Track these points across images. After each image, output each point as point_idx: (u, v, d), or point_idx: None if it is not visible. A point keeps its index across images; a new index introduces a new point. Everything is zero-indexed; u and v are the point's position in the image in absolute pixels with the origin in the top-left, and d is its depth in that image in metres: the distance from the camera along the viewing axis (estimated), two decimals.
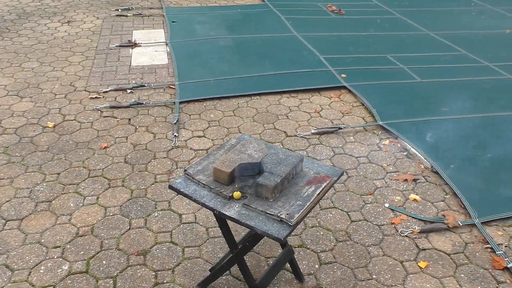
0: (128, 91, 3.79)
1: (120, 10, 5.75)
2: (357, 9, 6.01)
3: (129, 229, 2.38)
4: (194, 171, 1.79)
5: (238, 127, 3.32)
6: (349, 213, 2.53)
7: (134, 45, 4.73)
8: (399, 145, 3.13)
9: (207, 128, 3.30)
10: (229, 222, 1.72)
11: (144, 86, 3.87)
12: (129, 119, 3.40)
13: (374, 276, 2.14)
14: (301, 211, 1.60)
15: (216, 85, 3.88)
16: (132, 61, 4.39)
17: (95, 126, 3.30)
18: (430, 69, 4.27)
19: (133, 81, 3.95)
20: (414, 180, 2.78)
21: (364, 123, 3.39)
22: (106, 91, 3.78)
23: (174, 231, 2.37)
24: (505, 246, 2.31)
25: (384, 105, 3.57)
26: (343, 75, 4.04)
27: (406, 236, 2.37)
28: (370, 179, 2.79)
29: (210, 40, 4.84)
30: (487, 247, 2.31)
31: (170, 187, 1.75)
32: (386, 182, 2.77)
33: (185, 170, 1.79)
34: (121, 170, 2.84)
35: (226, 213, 1.62)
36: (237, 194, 1.67)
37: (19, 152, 2.98)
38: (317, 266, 2.19)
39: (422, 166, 2.91)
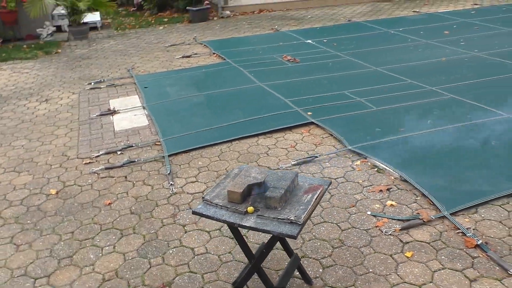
0: (119, 152, 4.11)
1: (92, 84, 6.13)
2: (310, 56, 6.65)
3: (150, 267, 2.65)
4: (210, 197, 2.13)
5: (225, 169, 3.69)
6: (338, 224, 2.90)
7: (113, 112, 5.08)
8: (369, 164, 3.57)
9: (198, 174, 3.65)
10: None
11: (132, 146, 4.20)
12: (125, 176, 3.70)
13: (370, 270, 2.50)
14: (305, 213, 1.97)
15: (197, 136, 4.26)
16: (115, 126, 4.73)
17: (95, 187, 3.58)
18: (383, 98, 4.83)
19: (122, 143, 4.27)
20: (388, 189, 3.21)
21: (336, 150, 3.83)
22: (98, 156, 4.08)
23: (190, 262, 2.66)
24: (473, 229, 2.73)
25: (350, 133, 4.05)
26: (309, 113, 4.53)
27: (390, 234, 2.76)
28: (350, 195, 3.19)
29: (183, 99, 5.27)
30: (458, 232, 2.72)
31: (194, 212, 2.08)
32: (364, 195, 3.18)
33: (203, 198, 2.13)
34: (129, 220, 3.12)
35: (245, 224, 1.96)
36: (250, 208, 2.03)
37: (30, 220, 3.21)
38: (321, 270, 2.53)
39: (392, 178, 3.35)
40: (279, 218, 1.95)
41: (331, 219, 2.95)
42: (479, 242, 2.60)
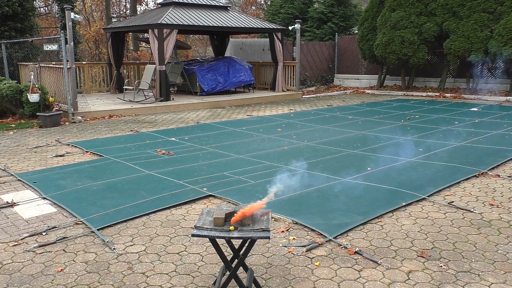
0: (44, 233, 4.44)
1: None
2: (180, 150, 7.77)
3: None
4: (200, 225, 3.01)
5: (155, 233, 4.41)
6: (263, 254, 3.92)
7: (13, 204, 5.27)
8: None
9: (132, 240, 4.28)
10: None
11: (56, 227, 4.57)
12: (64, 250, 4.10)
13: (296, 276, 3.56)
14: (269, 224, 3.01)
15: (116, 213, 4.86)
16: (22, 215, 4.97)
17: (37, 261, 3.90)
18: (255, 175, 6.17)
19: (44, 226, 4.59)
20: (287, 230, 4.39)
21: None
22: (24, 238, 4.34)
23: None
24: (350, 244, 4.06)
25: (243, 199, 5.16)
26: (204, 189, 5.57)
27: (300, 255, 3.89)
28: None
29: (82, 188, 5.75)
30: (341, 247, 4.01)
31: (193, 235, 2.92)
32: (273, 235, 4.28)
33: (196, 226, 2.99)
34: (90, 277, 3.59)
35: (232, 236, 2.90)
36: (232, 227, 2.98)
37: None
38: (264, 281, 3.49)
39: (287, 223, 4.56)
40: (254, 229, 2.95)
41: (257, 252, 3.96)
42: (356, 250, 3.93)
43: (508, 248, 4.01)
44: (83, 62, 16.83)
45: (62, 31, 11.30)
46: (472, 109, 12.46)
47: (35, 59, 15.54)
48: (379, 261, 3.77)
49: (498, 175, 6.11)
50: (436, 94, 15.62)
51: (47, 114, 10.66)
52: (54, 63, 13.87)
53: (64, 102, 11.45)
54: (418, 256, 3.89)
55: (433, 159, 6.96)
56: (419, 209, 4.95)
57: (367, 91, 17.66)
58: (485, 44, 14.06)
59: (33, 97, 10.86)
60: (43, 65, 12.74)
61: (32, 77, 11.13)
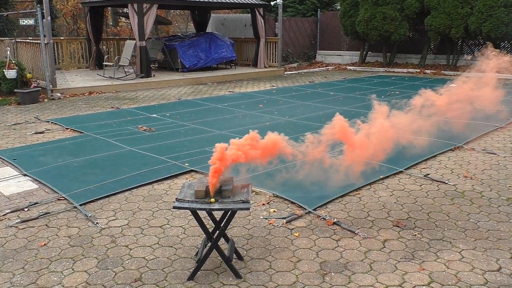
0: (26, 209, 4.45)
1: None
2: (161, 126, 7.77)
3: (116, 274, 3.29)
4: (181, 197, 3.07)
5: (138, 207, 4.46)
6: (244, 227, 4.01)
7: None
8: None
9: (115, 214, 4.33)
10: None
11: (38, 203, 4.58)
12: (46, 225, 4.13)
13: (277, 246, 3.67)
14: (249, 196, 3.09)
15: (98, 189, 4.89)
16: (3, 192, 4.95)
17: (20, 236, 3.92)
18: None
19: (26, 202, 4.60)
20: (268, 203, 4.48)
21: None
22: (5, 214, 4.35)
23: (147, 264, 3.40)
24: (328, 216, 4.18)
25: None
26: (186, 164, 5.61)
27: (280, 226, 4.00)
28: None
29: (64, 164, 5.74)
30: (320, 218, 4.13)
31: (174, 207, 2.98)
32: (254, 208, 4.38)
33: (177, 198, 3.05)
34: (74, 250, 3.64)
35: (213, 207, 2.97)
36: (212, 199, 3.04)
37: None
38: (245, 252, 3.58)
39: (268, 196, 4.66)
40: (235, 201, 3.02)
41: (238, 224, 4.05)
42: (335, 221, 4.05)
43: (479, 217, 4.18)
44: (61, 38, 16.46)
45: (38, 5, 11.02)
46: (452, 85, 12.63)
47: (11, 34, 15.16)
48: (356, 231, 3.90)
49: (473, 149, 6.29)
50: (417, 70, 15.78)
51: (25, 91, 10.48)
52: (31, 38, 13.54)
53: (42, 78, 11.25)
54: (394, 225, 4.03)
55: (410, 133, 7.08)
56: (396, 181, 5.10)
57: (349, 67, 17.73)
58: (465, 21, 14.18)
59: (10, 74, 10.64)
60: (19, 40, 12.43)
61: (8, 52, 10.87)
